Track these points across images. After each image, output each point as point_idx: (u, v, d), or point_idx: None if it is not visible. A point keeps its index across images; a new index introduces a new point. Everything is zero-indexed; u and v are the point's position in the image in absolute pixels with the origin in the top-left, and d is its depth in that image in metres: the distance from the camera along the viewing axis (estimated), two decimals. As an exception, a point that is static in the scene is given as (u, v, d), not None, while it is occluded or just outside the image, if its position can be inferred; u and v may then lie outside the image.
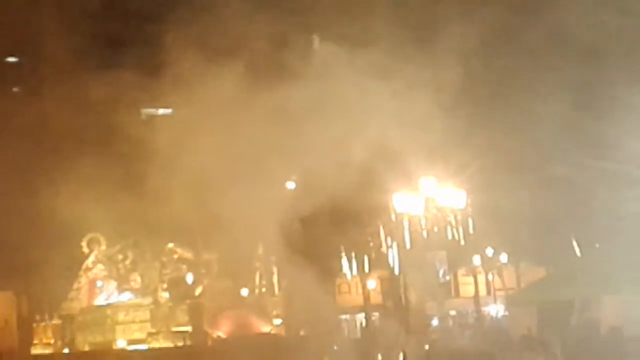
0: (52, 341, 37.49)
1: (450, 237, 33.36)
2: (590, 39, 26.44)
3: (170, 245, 36.00)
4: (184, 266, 36.65)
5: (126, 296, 36.84)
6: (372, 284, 49.20)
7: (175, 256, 36.54)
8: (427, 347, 27.61)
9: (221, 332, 33.61)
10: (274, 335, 33.88)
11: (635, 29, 25.84)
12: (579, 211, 31.79)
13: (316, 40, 27.08)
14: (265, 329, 34.41)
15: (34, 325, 38.73)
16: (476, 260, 48.35)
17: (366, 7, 22.70)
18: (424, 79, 22.24)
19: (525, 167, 31.01)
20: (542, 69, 28.99)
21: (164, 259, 36.57)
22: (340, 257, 43.72)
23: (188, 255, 36.36)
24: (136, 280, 37.29)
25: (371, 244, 38.57)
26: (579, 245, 36.47)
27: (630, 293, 23.19)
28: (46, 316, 38.35)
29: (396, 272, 38.35)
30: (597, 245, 33.87)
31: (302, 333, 30.92)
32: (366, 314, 47.70)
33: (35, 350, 37.48)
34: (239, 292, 37.90)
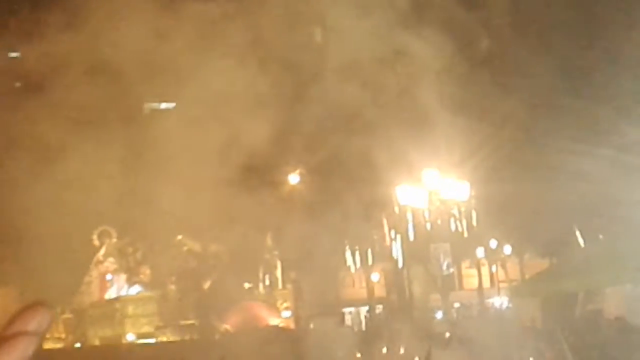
0: (63, 335, 37.50)
1: (453, 229, 33.39)
2: (587, 24, 26.45)
3: (180, 237, 35.92)
4: (193, 258, 36.60)
5: (136, 289, 36.83)
6: (375, 276, 49.21)
7: (185, 248, 36.47)
8: (447, 334, 27.53)
9: (229, 325, 33.63)
10: (283, 328, 33.89)
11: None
12: (583, 202, 31.73)
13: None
14: (274, 321, 34.43)
15: None
16: (480, 252, 48.38)
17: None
18: (425, 72, 22.21)
19: (528, 158, 30.97)
20: (545, 55, 28.97)
21: (173, 251, 36.50)
22: (344, 250, 43.75)
23: (197, 247, 36.31)
24: (146, 272, 37.25)
25: (375, 236, 38.59)
26: (582, 237, 36.43)
27: (634, 284, 23.19)
28: (58, 310, 38.33)
29: (400, 264, 38.38)
30: (600, 236, 33.85)
31: (311, 326, 30.95)
32: (370, 307, 47.74)
33: (47, 345, 37.47)
34: (247, 285, 37.96)
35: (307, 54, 23.87)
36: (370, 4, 21.16)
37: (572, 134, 28.42)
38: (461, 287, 52.92)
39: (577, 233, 36.30)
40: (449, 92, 23.03)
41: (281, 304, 37.31)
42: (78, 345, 36.30)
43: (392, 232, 35.94)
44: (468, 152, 28.35)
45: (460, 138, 26.21)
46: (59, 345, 36.80)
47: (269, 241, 36.91)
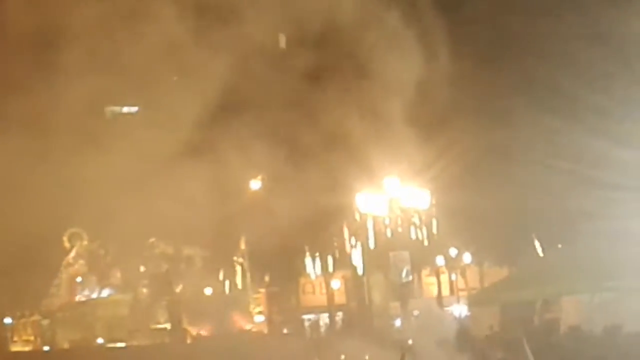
0: (32, 338, 37.04)
1: (413, 237, 33.51)
2: (548, 37, 26.72)
3: (152, 239, 35.55)
4: (165, 261, 36.29)
5: (106, 292, 36.45)
6: (336, 283, 49.18)
7: (157, 251, 36.12)
8: (410, 341, 27.64)
9: (201, 329, 33.46)
10: (256, 332, 33.80)
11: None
12: (542, 212, 31.97)
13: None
14: (247, 326, 34.32)
15: (14, 322, 38.18)
16: (440, 260, 48.50)
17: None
18: (388, 80, 22.36)
19: (488, 168, 31.17)
20: (508, 69, 29.20)
21: (145, 254, 36.15)
22: (304, 257, 43.75)
23: (169, 250, 35.99)
24: (117, 275, 36.86)
25: (335, 243, 38.65)
26: (541, 246, 36.68)
27: (591, 293, 23.38)
28: (26, 312, 37.86)
29: (360, 272, 38.43)
30: (559, 246, 34.10)
31: (285, 331, 30.93)
32: (330, 314, 47.72)
33: (15, 348, 37.03)
34: (219, 289, 37.79)
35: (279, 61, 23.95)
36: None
37: (532, 146, 28.67)
38: (421, 294, 52.99)
39: (536, 242, 36.55)
40: (411, 102, 23.18)
41: (254, 308, 37.23)
42: (47, 348, 35.91)
43: (353, 239, 36.00)
44: (429, 161, 28.52)
45: (421, 147, 26.38)
46: (27, 348, 36.43)
47: (242, 244, 36.84)
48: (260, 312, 36.92)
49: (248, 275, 38.15)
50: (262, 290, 39.47)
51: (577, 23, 27.51)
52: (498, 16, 29.16)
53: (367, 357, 24.06)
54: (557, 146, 27.78)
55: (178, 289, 35.80)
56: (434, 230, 34.22)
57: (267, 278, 39.96)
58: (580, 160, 26.41)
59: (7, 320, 38.29)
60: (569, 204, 27.88)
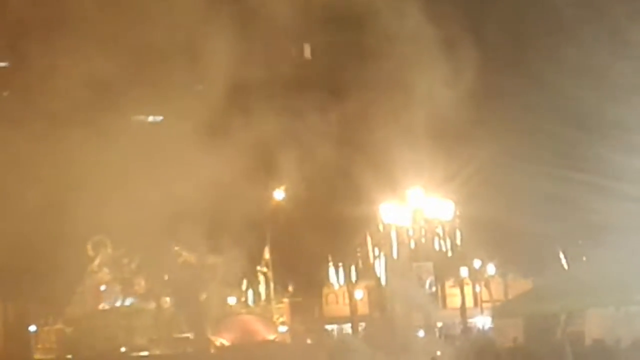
0: (55, 346, 37.09)
1: (437, 248, 33.41)
2: (572, 51, 26.67)
3: (176, 248, 35.46)
4: (188, 270, 36.18)
5: (130, 300, 36.44)
6: (359, 294, 49.12)
7: (180, 259, 36.04)
8: (438, 353, 27.59)
9: (224, 339, 33.39)
10: (279, 342, 33.69)
11: None
12: (567, 224, 31.85)
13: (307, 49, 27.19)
14: (270, 336, 34.20)
15: (38, 329, 38.26)
16: (463, 271, 48.36)
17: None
18: (413, 90, 22.36)
19: (513, 180, 31.07)
20: (533, 83, 29.16)
21: (169, 262, 36.02)
22: (328, 268, 43.76)
23: (193, 258, 35.91)
24: (140, 284, 36.79)
25: (358, 254, 38.64)
26: (566, 258, 36.55)
27: (615, 307, 23.25)
28: (50, 320, 37.90)
29: (383, 282, 38.36)
30: (584, 258, 33.94)
31: (308, 341, 30.78)
32: (353, 324, 47.64)
33: (38, 355, 37.08)
34: (243, 298, 37.74)
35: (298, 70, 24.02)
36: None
37: (557, 158, 28.58)
38: (444, 306, 52.85)
39: (561, 255, 36.42)
40: (436, 113, 23.15)
41: (277, 318, 37.13)
42: (69, 356, 35.93)
43: (376, 250, 35.98)
44: (453, 172, 28.45)
45: (445, 158, 26.32)
46: (50, 357, 36.51)
47: (267, 253, 36.80)
48: (283, 323, 36.84)
49: (272, 285, 38.12)
50: (286, 300, 39.43)
51: (602, 37, 27.42)
52: (523, 28, 29.14)
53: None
54: (582, 159, 27.69)
55: (201, 298, 35.77)
56: (458, 242, 34.14)
57: (290, 288, 39.95)
58: (606, 173, 26.30)
59: (32, 328, 38.44)
60: (594, 217, 27.74)
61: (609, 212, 26.19)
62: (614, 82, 27.17)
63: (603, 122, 26.81)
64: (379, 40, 24.40)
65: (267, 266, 37.42)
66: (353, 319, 47.71)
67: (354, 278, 44.46)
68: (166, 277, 35.83)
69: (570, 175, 27.19)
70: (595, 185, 26.56)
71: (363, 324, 47.72)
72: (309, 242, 33.17)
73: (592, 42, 27.34)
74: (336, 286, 46.53)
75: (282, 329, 36.38)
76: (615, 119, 26.00)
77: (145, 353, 33.45)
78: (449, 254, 34.49)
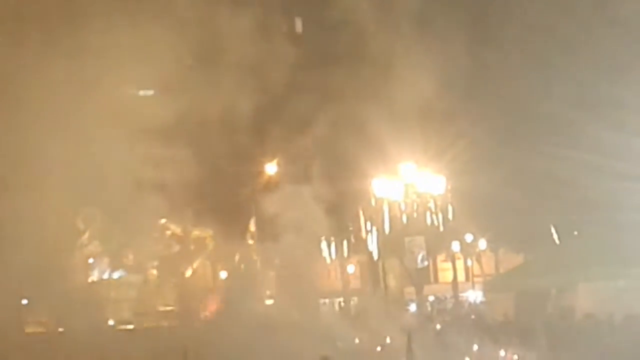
0: (44, 319, 37.08)
1: (429, 222, 33.46)
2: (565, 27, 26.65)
3: (163, 220, 35.36)
4: (176, 243, 36.11)
5: (118, 274, 36.43)
6: (351, 268, 49.19)
7: (168, 232, 35.96)
8: (438, 326, 27.71)
9: (209, 312, 33.38)
10: (265, 315, 33.69)
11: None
12: (559, 200, 31.86)
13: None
14: (256, 309, 34.20)
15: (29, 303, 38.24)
16: (455, 246, 48.44)
17: None
18: (405, 66, 22.30)
19: (505, 155, 31.07)
20: (524, 60, 29.12)
21: (156, 235, 35.93)
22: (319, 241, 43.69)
23: (180, 231, 35.84)
24: (129, 257, 36.74)
25: (350, 228, 38.60)
26: (557, 233, 36.57)
27: (606, 281, 23.37)
28: (41, 294, 37.85)
29: (375, 257, 38.40)
30: (575, 233, 34.02)
31: (294, 314, 30.74)
32: (345, 299, 47.73)
33: (29, 329, 37.07)
34: (229, 271, 37.65)
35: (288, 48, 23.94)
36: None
37: (550, 134, 28.57)
38: (436, 280, 52.98)
39: (552, 230, 36.45)
40: (428, 88, 23.11)
41: (265, 292, 37.09)
42: (61, 329, 35.91)
43: (368, 224, 35.95)
44: (445, 146, 28.45)
45: (437, 132, 26.30)
46: (40, 329, 36.51)
47: (252, 226, 36.71)
48: (270, 296, 36.82)
49: (262, 256, 38.05)
50: (273, 273, 39.40)
51: (596, 12, 27.39)
52: (515, 3, 29.08)
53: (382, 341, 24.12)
54: (575, 135, 27.69)
55: (187, 271, 35.78)
56: (450, 216, 34.13)
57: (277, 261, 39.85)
58: (598, 150, 26.32)
59: (23, 301, 38.44)
60: (586, 193, 27.80)
61: (601, 189, 26.25)
62: (607, 58, 27.16)
63: (596, 99, 26.82)
64: (371, 15, 24.32)
65: (252, 239, 37.32)
66: (345, 293, 47.81)
67: (345, 252, 44.45)
68: (153, 250, 35.78)
69: (562, 152, 27.20)
70: (587, 162, 26.60)
71: (355, 299, 47.87)
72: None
73: (586, 17, 27.30)
74: (328, 260, 46.53)
75: (269, 301, 36.38)
76: (607, 96, 26.02)
77: (131, 326, 33.50)
78: (441, 228, 34.50)
